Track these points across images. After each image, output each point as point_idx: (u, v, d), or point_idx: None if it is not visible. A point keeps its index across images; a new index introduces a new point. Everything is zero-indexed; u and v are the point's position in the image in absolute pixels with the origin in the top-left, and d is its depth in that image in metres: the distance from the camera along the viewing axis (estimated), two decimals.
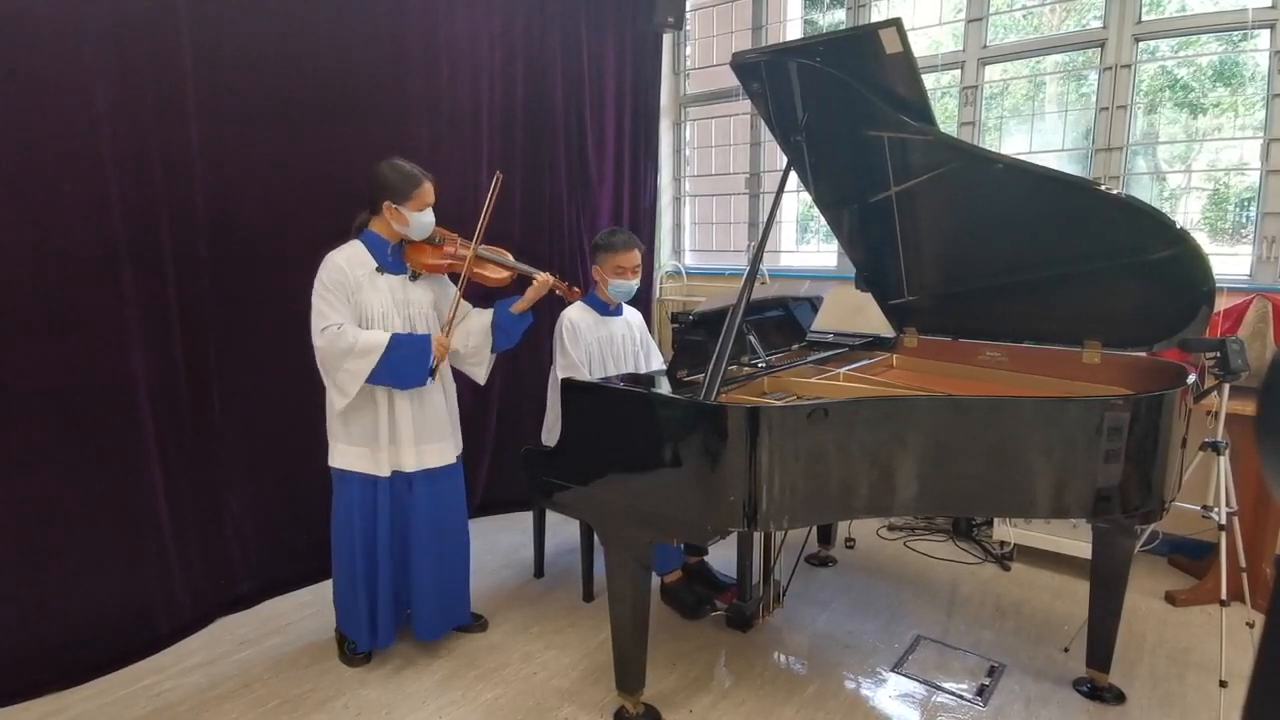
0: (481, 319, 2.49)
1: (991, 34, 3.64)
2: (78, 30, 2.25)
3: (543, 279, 2.45)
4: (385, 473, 2.36)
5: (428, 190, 2.33)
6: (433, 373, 2.32)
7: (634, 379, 2.33)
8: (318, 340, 2.23)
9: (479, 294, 2.55)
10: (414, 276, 2.41)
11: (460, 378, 2.60)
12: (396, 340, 2.25)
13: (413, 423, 2.38)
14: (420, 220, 2.33)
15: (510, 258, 2.51)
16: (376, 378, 2.24)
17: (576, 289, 2.58)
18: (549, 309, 3.72)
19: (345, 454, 2.36)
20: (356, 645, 2.49)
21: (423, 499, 2.44)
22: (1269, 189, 3.02)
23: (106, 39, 2.31)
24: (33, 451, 2.27)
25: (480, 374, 2.56)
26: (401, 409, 2.35)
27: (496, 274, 2.46)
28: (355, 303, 2.29)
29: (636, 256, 2.76)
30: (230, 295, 2.70)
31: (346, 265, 2.28)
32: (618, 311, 2.89)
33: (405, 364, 2.26)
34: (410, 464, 2.39)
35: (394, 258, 2.38)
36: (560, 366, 2.73)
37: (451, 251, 2.42)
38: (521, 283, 2.48)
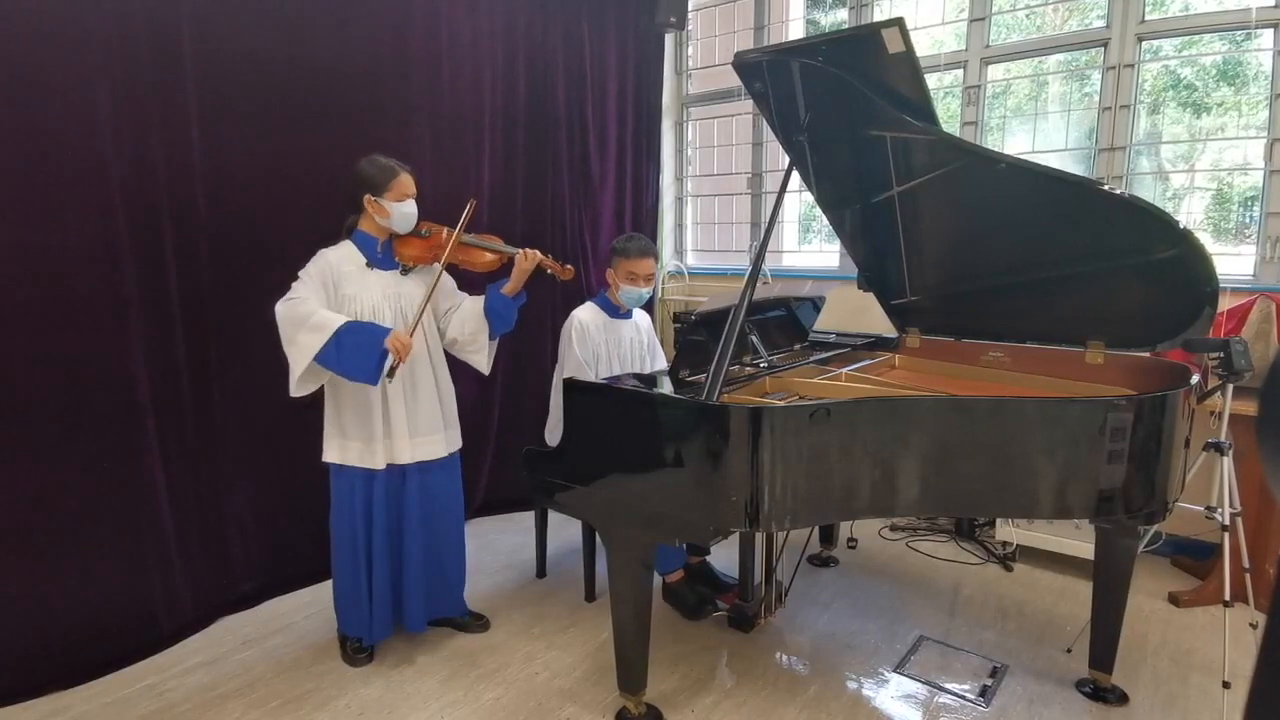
0: (474, 305, 2.49)
1: (994, 33, 3.64)
2: (80, 31, 2.25)
3: (529, 255, 2.40)
4: (380, 465, 2.37)
5: (405, 181, 2.34)
6: (391, 372, 2.21)
7: (636, 379, 2.33)
8: (278, 307, 2.20)
9: (472, 280, 2.56)
10: (405, 271, 2.42)
11: (464, 373, 2.60)
12: (351, 325, 2.19)
13: (405, 416, 2.39)
14: (401, 211, 2.33)
15: (499, 242, 2.48)
16: (325, 359, 2.18)
17: (569, 266, 2.52)
18: (551, 302, 3.73)
19: (340, 448, 2.38)
20: (361, 642, 2.50)
21: (415, 491, 2.46)
22: (1272, 189, 3.01)
23: (109, 40, 2.31)
24: (34, 451, 2.27)
25: (482, 361, 2.54)
26: (395, 402, 2.37)
27: (484, 259, 2.44)
28: (341, 296, 2.30)
29: (650, 265, 2.76)
30: (232, 295, 2.70)
31: (335, 260, 2.31)
32: (627, 315, 2.90)
33: (353, 351, 2.16)
34: (405, 457, 2.41)
35: (384, 254, 2.39)
36: (567, 367, 2.74)
37: (438, 243, 2.42)
38: (508, 268, 2.46)
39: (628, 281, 2.76)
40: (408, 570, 2.48)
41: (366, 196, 2.31)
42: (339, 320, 2.19)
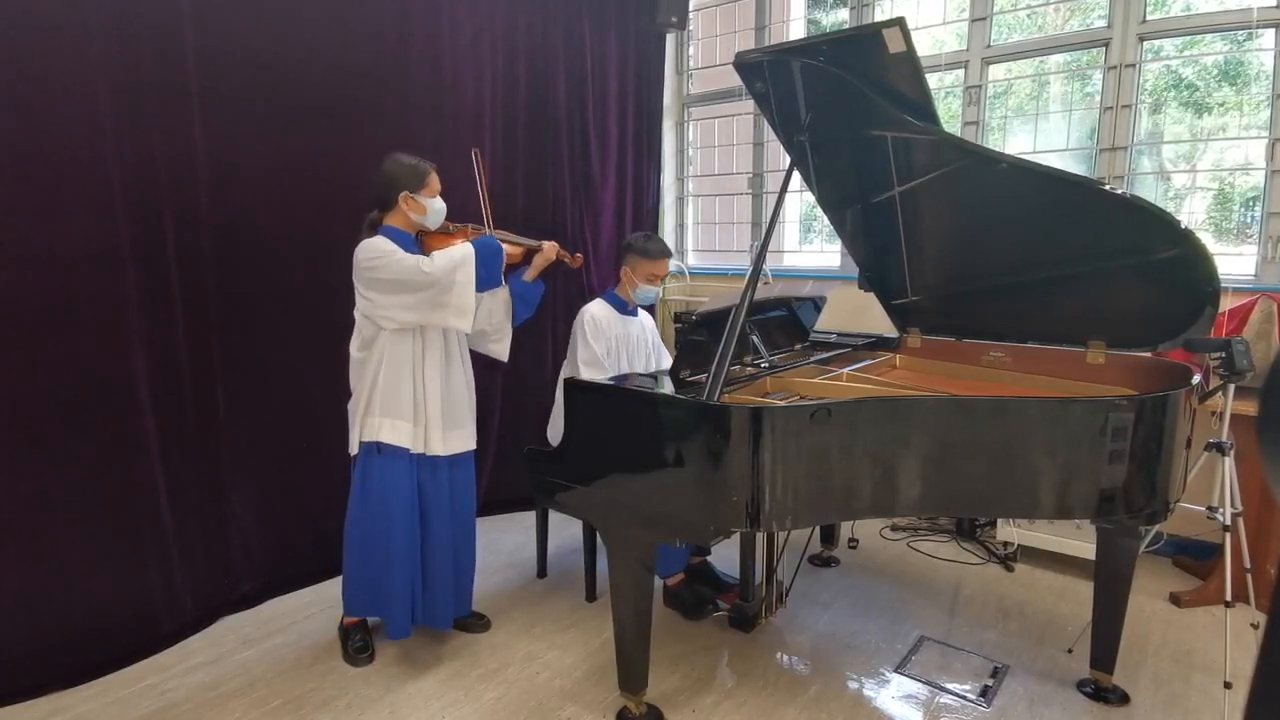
0: (500, 294, 2.53)
1: (995, 33, 3.64)
2: (81, 29, 2.25)
3: (549, 245, 2.53)
4: (421, 448, 2.40)
5: (436, 178, 2.40)
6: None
7: (637, 379, 2.34)
8: (426, 268, 2.25)
9: None
10: None
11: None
12: (480, 241, 2.37)
13: (440, 406, 2.42)
14: (435, 206, 2.39)
15: (514, 235, 2.58)
16: (479, 281, 2.33)
17: (579, 255, 2.67)
18: (551, 303, 3.73)
19: (388, 427, 2.37)
20: (367, 641, 2.51)
21: (444, 484, 2.47)
22: (1274, 189, 3.01)
23: (110, 38, 2.31)
24: (35, 451, 2.27)
25: (504, 350, 2.61)
26: (431, 391, 2.39)
27: (512, 249, 2.51)
28: None
29: (668, 265, 2.85)
30: (233, 294, 2.70)
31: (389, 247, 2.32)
32: (634, 312, 2.94)
33: (490, 260, 2.36)
34: (438, 447, 2.43)
35: (417, 249, 2.41)
36: (581, 360, 2.76)
37: (464, 237, 2.47)
38: (530, 258, 2.55)
39: (647, 281, 2.81)
40: (437, 566, 2.47)
41: (404, 194, 2.34)
42: (468, 246, 2.34)
